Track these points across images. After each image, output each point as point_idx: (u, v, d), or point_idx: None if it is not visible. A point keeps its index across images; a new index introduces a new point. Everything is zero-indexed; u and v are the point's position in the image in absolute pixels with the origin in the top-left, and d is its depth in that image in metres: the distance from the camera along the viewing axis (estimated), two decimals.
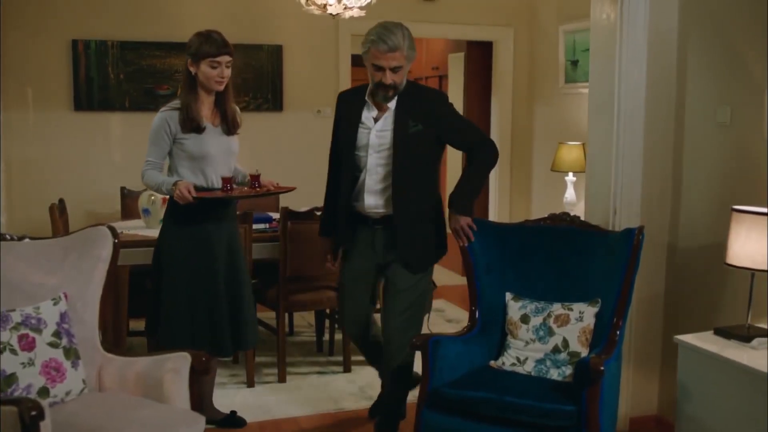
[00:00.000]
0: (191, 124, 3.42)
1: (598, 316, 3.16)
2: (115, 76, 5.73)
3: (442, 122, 3.42)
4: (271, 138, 6.11)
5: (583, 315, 3.16)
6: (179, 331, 3.48)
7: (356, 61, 6.50)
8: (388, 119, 3.40)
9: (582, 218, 3.55)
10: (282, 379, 4.46)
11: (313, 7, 4.78)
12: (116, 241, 3.07)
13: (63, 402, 2.77)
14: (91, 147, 5.74)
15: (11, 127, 5.49)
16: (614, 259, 3.23)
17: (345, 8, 4.77)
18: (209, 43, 3.39)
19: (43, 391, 2.72)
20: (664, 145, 3.70)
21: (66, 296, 2.94)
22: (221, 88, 3.47)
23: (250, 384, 4.36)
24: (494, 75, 6.84)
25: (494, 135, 6.86)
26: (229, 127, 3.54)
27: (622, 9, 3.60)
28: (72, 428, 2.57)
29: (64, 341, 2.83)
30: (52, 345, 2.79)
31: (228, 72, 3.45)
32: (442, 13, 6.49)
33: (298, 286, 4.50)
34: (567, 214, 3.52)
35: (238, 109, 3.63)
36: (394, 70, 3.28)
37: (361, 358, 3.99)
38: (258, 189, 3.57)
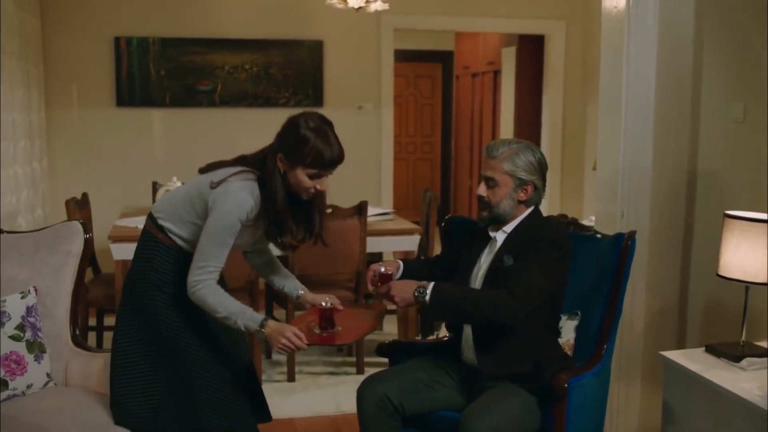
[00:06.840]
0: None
1: (579, 329, 2.94)
2: (156, 73, 5.83)
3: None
4: None
5: (562, 329, 2.94)
6: None
7: (399, 56, 6.40)
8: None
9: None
10: (291, 378, 4.42)
11: (335, 1, 4.70)
12: (87, 236, 3.07)
13: (23, 395, 2.80)
14: (132, 142, 5.87)
15: (55, 124, 5.68)
16: (603, 267, 2.99)
17: (367, 2, 4.66)
18: (325, 153, 2.36)
19: (2, 383, 2.75)
20: (677, 144, 3.42)
21: (36, 290, 2.97)
22: (308, 198, 2.51)
23: None
24: (546, 70, 6.58)
25: (545, 132, 6.63)
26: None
27: None
28: (15, 422, 2.59)
29: (28, 334, 2.86)
30: (14, 338, 2.83)
31: (327, 183, 2.48)
32: (492, 6, 6.28)
33: (309, 284, 4.41)
34: (565, 216, 3.30)
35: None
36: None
37: (375, 359, 3.85)
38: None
